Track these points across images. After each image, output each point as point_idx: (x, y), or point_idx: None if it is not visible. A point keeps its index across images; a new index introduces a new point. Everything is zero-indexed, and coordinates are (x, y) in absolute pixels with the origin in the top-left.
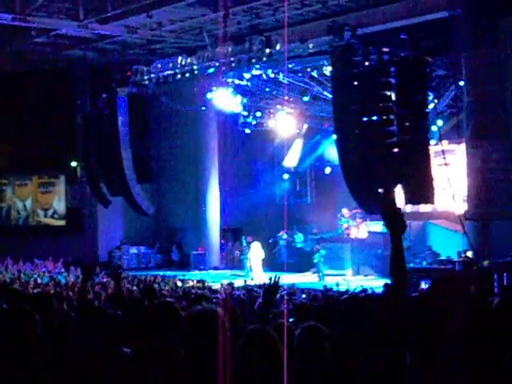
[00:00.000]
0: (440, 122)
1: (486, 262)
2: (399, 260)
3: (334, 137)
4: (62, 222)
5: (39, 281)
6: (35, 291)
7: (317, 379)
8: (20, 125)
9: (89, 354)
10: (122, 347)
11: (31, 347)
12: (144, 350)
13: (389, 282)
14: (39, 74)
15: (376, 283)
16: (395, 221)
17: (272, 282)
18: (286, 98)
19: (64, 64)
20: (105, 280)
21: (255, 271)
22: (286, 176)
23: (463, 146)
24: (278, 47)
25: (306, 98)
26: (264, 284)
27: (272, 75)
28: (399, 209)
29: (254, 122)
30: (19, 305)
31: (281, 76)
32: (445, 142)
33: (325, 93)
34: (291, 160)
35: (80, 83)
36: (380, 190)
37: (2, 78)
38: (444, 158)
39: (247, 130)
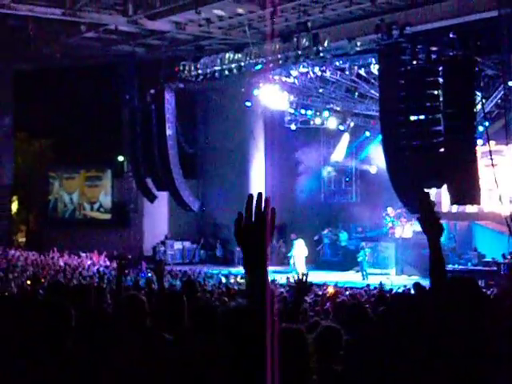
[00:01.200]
0: (487, 123)
1: None
2: (438, 264)
3: (381, 135)
4: (107, 216)
5: (84, 273)
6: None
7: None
8: (68, 119)
9: (129, 339)
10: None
11: (65, 337)
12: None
13: (420, 282)
14: (88, 69)
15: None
16: (433, 225)
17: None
18: (333, 95)
19: (112, 59)
20: (149, 275)
21: (299, 269)
22: (332, 173)
23: (511, 146)
24: (325, 45)
25: (353, 96)
26: (295, 282)
27: (319, 73)
28: (437, 213)
29: (300, 120)
30: (56, 297)
31: (328, 74)
32: (492, 142)
33: (372, 91)
34: (338, 155)
35: (128, 78)
36: (425, 190)
37: (51, 73)
38: (491, 159)
39: (293, 127)
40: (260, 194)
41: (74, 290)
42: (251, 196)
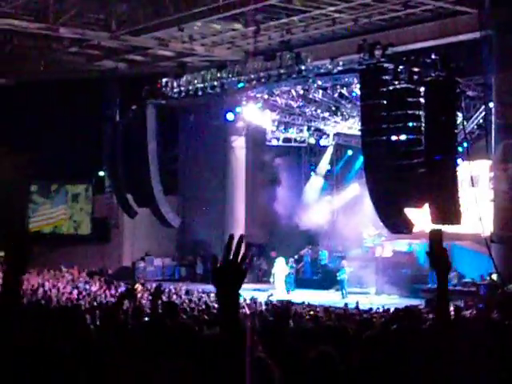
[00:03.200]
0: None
1: (511, 286)
2: (444, 298)
3: (362, 155)
4: (87, 232)
5: (62, 290)
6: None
7: None
8: (49, 133)
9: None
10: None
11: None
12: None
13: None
14: (70, 84)
15: (399, 302)
16: (441, 261)
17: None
18: (315, 114)
19: (95, 74)
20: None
21: (278, 286)
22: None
23: (491, 167)
24: (307, 64)
25: (335, 115)
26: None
27: (301, 91)
28: (445, 249)
29: (282, 137)
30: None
31: (310, 93)
32: (473, 162)
33: (354, 111)
34: (320, 172)
35: (110, 94)
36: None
37: (34, 86)
38: (471, 180)
39: (274, 143)
40: (241, 237)
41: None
42: (232, 236)
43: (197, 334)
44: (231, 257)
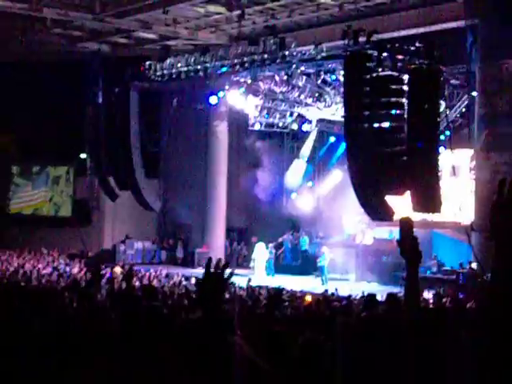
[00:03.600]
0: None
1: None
2: (414, 288)
3: (344, 141)
4: (68, 214)
5: (43, 272)
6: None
7: None
8: (31, 115)
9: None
10: None
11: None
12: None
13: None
14: (53, 65)
15: (379, 289)
16: (412, 250)
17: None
18: (298, 100)
19: (78, 56)
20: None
21: (258, 272)
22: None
23: (473, 156)
24: (291, 49)
25: (318, 101)
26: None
27: (285, 77)
28: (416, 238)
29: (264, 122)
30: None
31: (293, 78)
32: (455, 151)
33: (337, 97)
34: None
35: (93, 76)
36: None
37: (16, 68)
38: (453, 168)
39: (257, 127)
40: (219, 260)
41: (35, 293)
42: (210, 259)
43: (170, 319)
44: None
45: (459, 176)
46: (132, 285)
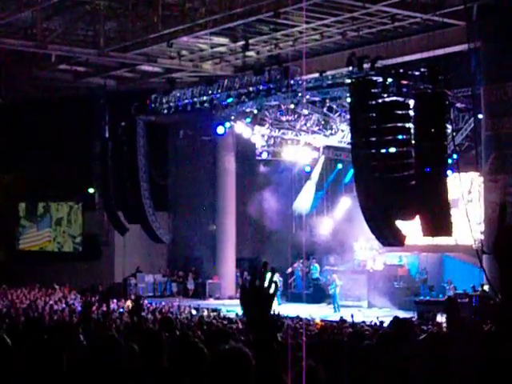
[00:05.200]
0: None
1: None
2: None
3: (352, 168)
4: (78, 249)
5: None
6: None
7: None
8: (39, 152)
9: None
10: None
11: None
12: None
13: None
14: (59, 101)
15: (391, 315)
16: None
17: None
18: (304, 128)
19: (84, 91)
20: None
21: None
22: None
23: (481, 179)
24: (296, 78)
25: (324, 129)
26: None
27: (291, 106)
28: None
29: (271, 151)
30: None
31: (299, 107)
32: (462, 174)
33: (343, 124)
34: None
35: (99, 111)
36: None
37: (22, 104)
38: (462, 191)
39: (264, 156)
40: (265, 263)
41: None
42: (259, 262)
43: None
44: (258, 282)
45: (468, 198)
46: (144, 317)
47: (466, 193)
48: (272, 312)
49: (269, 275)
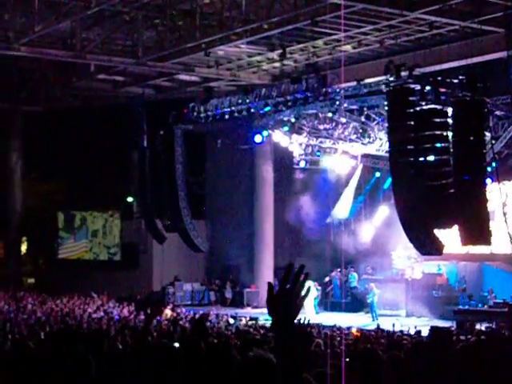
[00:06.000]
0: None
1: None
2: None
3: (390, 177)
4: (117, 257)
5: (93, 315)
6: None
7: None
8: (78, 160)
9: None
10: None
11: None
12: None
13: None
14: (98, 111)
15: (430, 324)
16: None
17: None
18: (342, 136)
19: (122, 100)
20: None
21: (307, 310)
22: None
23: None
24: (334, 86)
25: (362, 137)
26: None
27: (328, 114)
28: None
29: (309, 160)
30: (74, 346)
31: (337, 115)
32: (502, 182)
33: (381, 132)
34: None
35: (137, 120)
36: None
37: (62, 114)
38: (500, 199)
39: (302, 164)
40: (302, 266)
41: (87, 336)
42: (292, 265)
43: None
44: (289, 285)
45: (508, 207)
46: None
47: (504, 200)
48: (300, 318)
49: (301, 277)
